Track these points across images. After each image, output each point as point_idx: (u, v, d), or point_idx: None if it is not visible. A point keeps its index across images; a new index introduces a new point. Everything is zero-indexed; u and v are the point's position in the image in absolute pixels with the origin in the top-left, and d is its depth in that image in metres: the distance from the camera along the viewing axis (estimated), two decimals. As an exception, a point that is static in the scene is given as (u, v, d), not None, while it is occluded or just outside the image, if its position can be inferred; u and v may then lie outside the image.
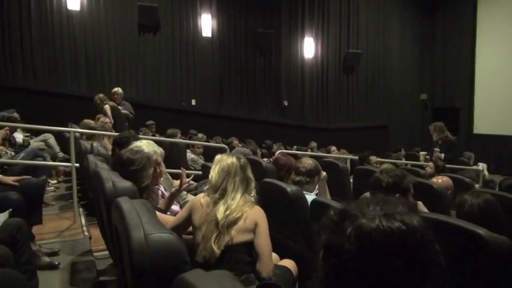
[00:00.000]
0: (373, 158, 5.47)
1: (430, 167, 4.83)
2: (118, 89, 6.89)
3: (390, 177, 2.24)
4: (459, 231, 1.59)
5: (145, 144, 2.68)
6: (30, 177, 3.33)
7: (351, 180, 4.46)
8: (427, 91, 13.19)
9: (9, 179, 3.02)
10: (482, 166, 7.73)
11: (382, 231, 0.67)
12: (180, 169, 2.74)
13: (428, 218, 1.67)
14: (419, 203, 2.42)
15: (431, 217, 1.74)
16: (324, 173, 3.00)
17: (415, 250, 0.68)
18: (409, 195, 2.25)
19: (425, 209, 2.39)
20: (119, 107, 6.70)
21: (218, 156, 2.18)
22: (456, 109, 12.51)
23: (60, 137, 5.73)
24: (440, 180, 3.48)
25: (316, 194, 2.93)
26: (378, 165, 4.56)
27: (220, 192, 2.05)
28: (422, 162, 6.18)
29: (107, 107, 6.22)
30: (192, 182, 3.84)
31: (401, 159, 7.52)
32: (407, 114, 12.80)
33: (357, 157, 6.55)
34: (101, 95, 6.29)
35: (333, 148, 8.29)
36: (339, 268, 0.68)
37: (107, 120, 5.93)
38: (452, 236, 1.59)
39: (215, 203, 2.03)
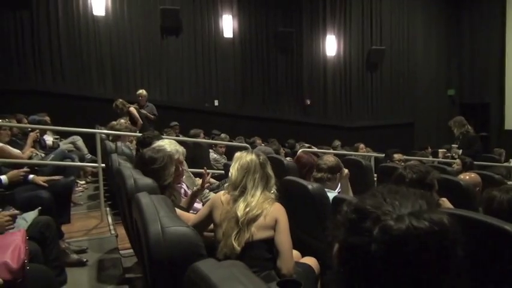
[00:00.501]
0: (397, 156, 5.37)
1: (457, 163, 4.69)
2: (142, 91, 7.07)
3: (414, 172, 2.20)
4: (486, 228, 1.54)
5: (168, 144, 2.73)
6: (60, 177, 3.44)
7: (375, 178, 4.39)
8: (454, 86, 12.80)
9: (40, 180, 3.15)
10: (514, 163, 7.44)
11: (413, 233, 0.65)
12: (203, 168, 2.77)
13: (454, 214, 1.62)
14: (444, 199, 2.35)
15: (457, 213, 1.69)
16: (346, 171, 2.96)
17: (445, 249, 0.66)
18: (434, 191, 2.19)
19: (450, 206, 2.33)
20: (144, 108, 6.89)
21: (237, 154, 2.19)
22: (486, 104, 12.08)
23: (88, 139, 5.91)
24: (468, 177, 3.38)
25: (339, 192, 2.89)
26: (402, 163, 4.47)
27: (240, 189, 2.05)
28: (449, 160, 5.99)
29: (132, 109, 6.46)
30: (213, 180, 3.88)
31: (427, 157, 7.33)
32: (434, 111, 12.45)
33: (380, 155, 6.45)
34: (121, 100, 6.50)
35: (361, 146, 8.15)
36: (363, 269, 0.66)
37: (139, 121, 6.32)
38: (479, 233, 1.54)
39: (235, 200, 2.04)
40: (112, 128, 5.28)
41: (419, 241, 0.64)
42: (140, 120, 6.47)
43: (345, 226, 0.71)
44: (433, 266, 0.65)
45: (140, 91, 7.07)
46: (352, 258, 0.68)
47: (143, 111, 6.85)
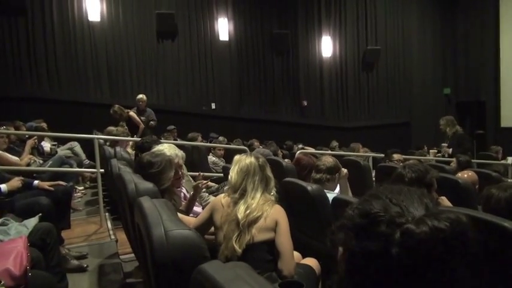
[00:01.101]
0: (397, 156, 5.38)
1: (454, 162, 4.72)
2: (143, 96, 7.02)
3: (413, 172, 2.22)
4: (485, 225, 1.56)
5: (167, 148, 2.74)
6: (63, 182, 3.45)
7: (374, 178, 4.42)
8: (450, 85, 12.87)
9: (45, 184, 3.15)
10: (511, 160, 7.49)
11: (438, 236, 0.64)
12: (203, 171, 2.78)
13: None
14: (443, 197, 2.37)
15: (457, 211, 1.70)
16: (344, 171, 2.97)
17: (467, 248, 0.66)
18: (433, 190, 2.21)
19: (449, 204, 2.35)
20: (144, 114, 6.91)
21: (237, 157, 2.20)
22: (482, 102, 12.15)
23: (85, 145, 5.90)
24: (466, 175, 3.40)
25: (338, 193, 2.91)
26: (401, 163, 4.49)
27: (240, 192, 2.06)
28: (447, 159, 6.02)
29: (132, 114, 6.53)
30: (212, 184, 3.89)
31: (425, 156, 7.35)
32: (431, 110, 12.50)
33: (379, 155, 6.48)
34: (118, 106, 6.53)
35: (359, 146, 8.17)
36: (380, 274, 0.65)
37: (141, 125, 6.50)
38: (478, 230, 1.55)
39: (235, 202, 2.05)
40: (109, 133, 5.29)
41: (443, 243, 0.64)
42: (142, 124, 6.56)
43: (353, 231, 0.69)
44: (456, 266, 0.65)
45: (140, 96, 7.03)
46: (366, 264, 0.66)
47: (148, 120, 6.87)
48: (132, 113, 6.58)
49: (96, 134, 5.71)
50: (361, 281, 0.68)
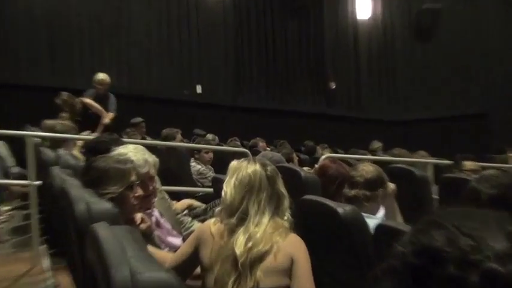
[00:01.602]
0: (469, 163, 5.38)
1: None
2: (105, 77, 6.98)
3: (493, 187, 2.21)
4: None
5: (132, 151, 2.72)
6: None
7: (436, 196, 4.42)
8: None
9: None
10: None
11: None
12: (184, 185, 2.78)
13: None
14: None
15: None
16: (392, 185, 2.97)
17: None
18: (522, 213, 2.20)
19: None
20: (107, 101, 6.94)
21: (234, 163, 2.21)
22: None
23: (14, 145, 5.92)
24: None
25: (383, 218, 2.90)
26: (474, 174, 4.49)
27: (238, 215, 2.07)
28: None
29: (89, 101, 6.60)
30: (197, 203, 3.90)
31: (509, 164, 7.35)
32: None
33: (443, 162, 6.47)
34: (67, 93, 6.57)
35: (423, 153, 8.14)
36: None
37: (109, 113, 6.74)
38: None
39: (232, 231, 2.05)
40: (50, 129, 5.30)
41: None
42: (105, 111, 6.65)
43: (407, 276, 0.71)
44: None
45: (101, 76, 6.95)
46: None
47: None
48: (88, 100, 6.60)
49: (29, 130, 5.72)
50: None
